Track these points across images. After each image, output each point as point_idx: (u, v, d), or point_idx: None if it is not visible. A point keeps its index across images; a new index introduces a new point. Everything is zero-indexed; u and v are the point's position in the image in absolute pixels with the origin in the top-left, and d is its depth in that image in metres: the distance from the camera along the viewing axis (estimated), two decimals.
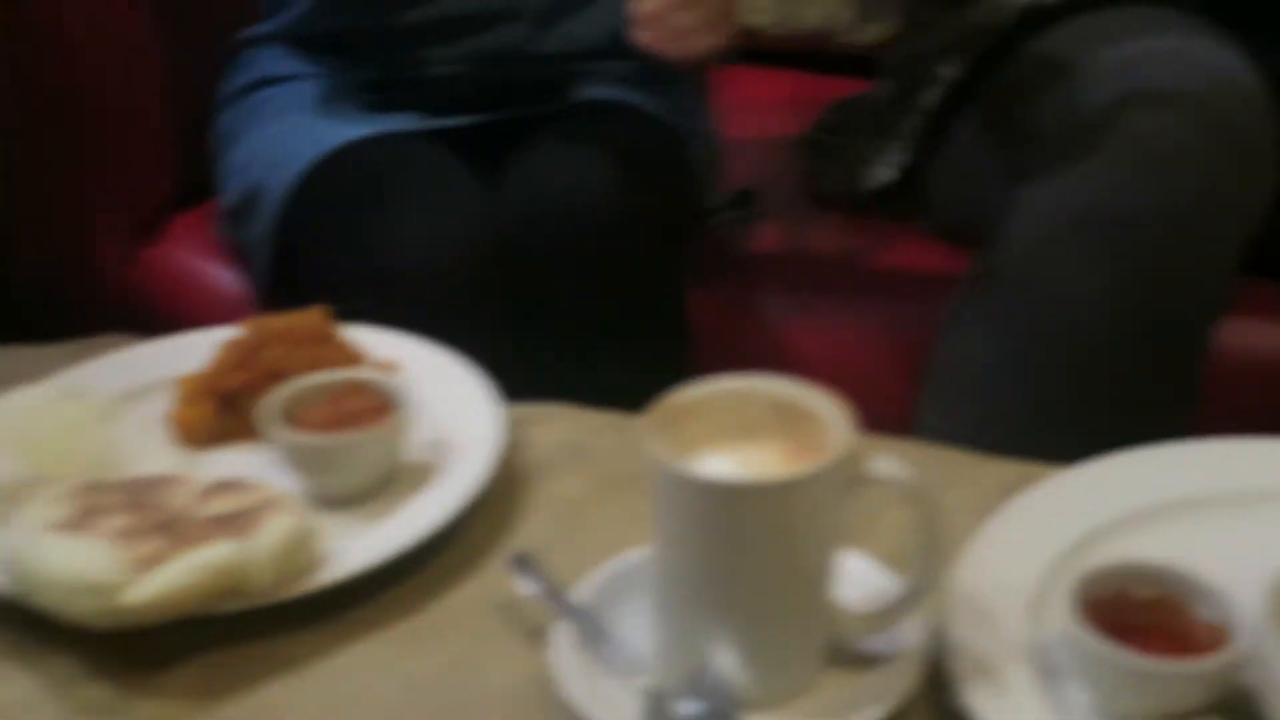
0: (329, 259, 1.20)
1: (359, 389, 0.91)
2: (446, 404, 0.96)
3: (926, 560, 0.73)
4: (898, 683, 0.72)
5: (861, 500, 0.72)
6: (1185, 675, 0.68)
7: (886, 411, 1.12)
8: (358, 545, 0.83)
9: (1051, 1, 1.25)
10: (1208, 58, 1.09)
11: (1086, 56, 1.13)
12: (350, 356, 0.96)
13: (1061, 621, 0.71)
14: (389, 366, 0.97)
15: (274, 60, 1.40)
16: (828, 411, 0.71)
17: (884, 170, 1.43)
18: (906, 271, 1.40)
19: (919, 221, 1.44)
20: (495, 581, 0.83)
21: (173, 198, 1.54)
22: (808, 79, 1.79)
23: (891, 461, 0.71)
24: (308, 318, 0.97)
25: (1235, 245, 1.08)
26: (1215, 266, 1.07)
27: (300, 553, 0.80)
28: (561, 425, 0.99)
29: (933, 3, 1.39)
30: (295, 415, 0.89)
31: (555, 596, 0.78)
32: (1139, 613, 0.72)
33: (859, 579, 0.78)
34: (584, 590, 0.78)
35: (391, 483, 0.89)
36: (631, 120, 1.32)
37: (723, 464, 0.72)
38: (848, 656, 0.75)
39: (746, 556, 0.69)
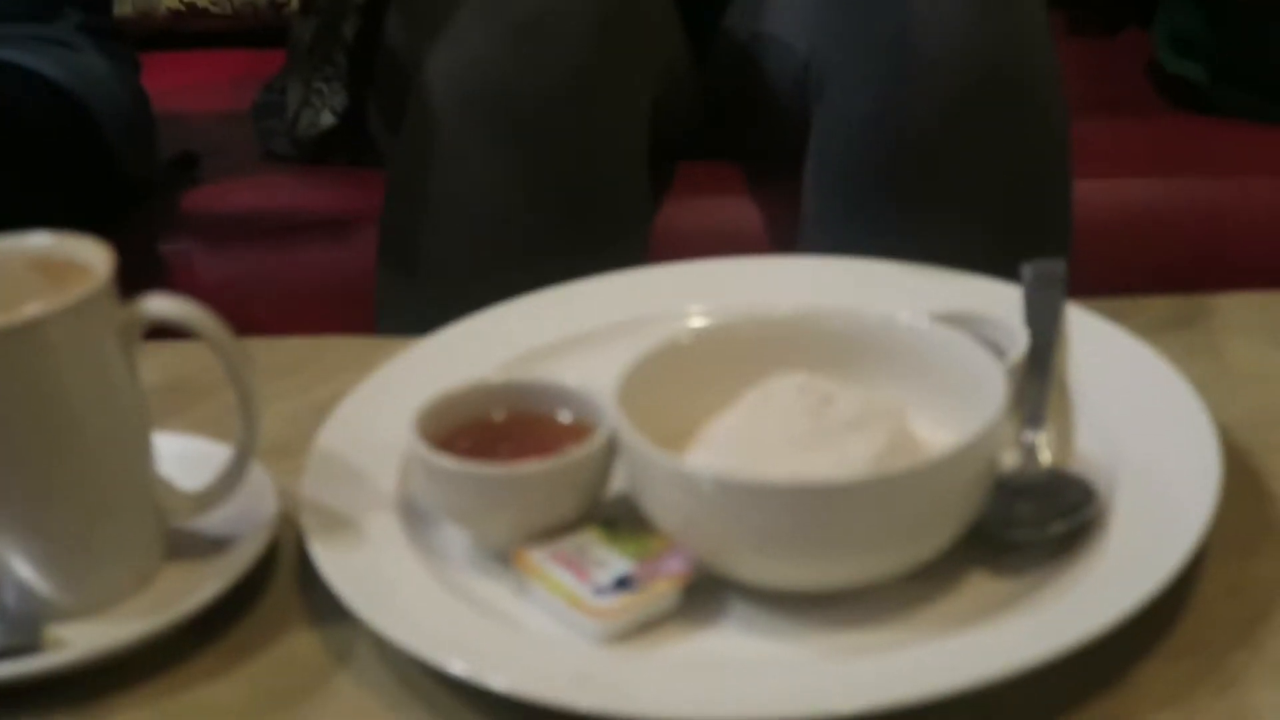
0: None
1: None
2: None
3: (243, 415, 0.64)
4: (242, 557, 0.64)
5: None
6: (542, 476, 0.62)
7: None
8: None
9: None
10: None
11: None
12: None
13: (414, 455, 0.64)
14: None
15: None
16: (97, 259, 0.62)
17: (324, 116, 1.35)
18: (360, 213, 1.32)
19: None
20: None
21: None
22: (259, 55, 1.70)
23: (168, 301, 0.62)
24: None
25: (640, 117, 1.05)
26: (626, 138, 1.03)
27: None
28: None
29: None
30: None
31: None
32: (502, 433, 0.66)
33: (205, 460, 0.68)
34: None
35: None
36: (15, 81, 1.20)
37: None
38: (195, 544, 0.66)
39: None
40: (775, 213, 1.22)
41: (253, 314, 1.25)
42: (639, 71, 1.04)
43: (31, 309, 0.58)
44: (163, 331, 0.64)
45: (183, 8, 1.78)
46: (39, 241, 0.64)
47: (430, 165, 1.02)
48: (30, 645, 0.60)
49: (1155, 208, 1.23)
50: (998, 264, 0.80)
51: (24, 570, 0.61)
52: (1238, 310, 0.82)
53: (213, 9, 1.79)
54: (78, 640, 0.60)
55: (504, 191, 1.00)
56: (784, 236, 1.16)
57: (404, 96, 1.12)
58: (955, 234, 0.97)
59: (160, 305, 0.62)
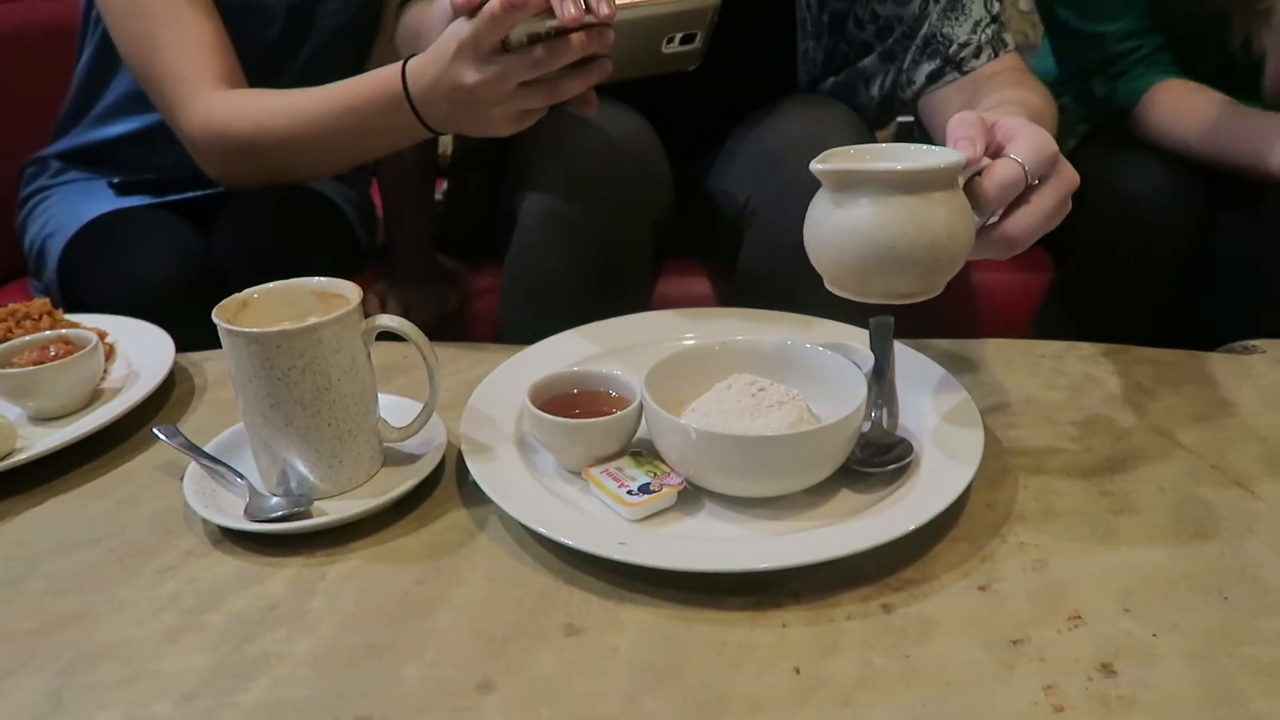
0: (94, 285, 1.00)
1: (64, 341, 0.73)
2: (142, 353, 0.79)
3: (430, 386, 0.62)
4: (426, 465, 0.62)
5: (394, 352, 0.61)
6: (600, 426, 0.60)
7: None
8: (50, 436, 0.66)
9: None
10: (625, 120, 1.02)
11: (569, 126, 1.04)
12: (63, 326, 0.78)
13: (526, 412, 0.62)
14: (98, 332, 0.79)
15: (50, 174, 1.18)
16: (351, 292, 0.60)
17: (466, 224, 1.31)
18: (490, 286, 1.27)
19: None
20: (161, 452, 0.68)
21: None
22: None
23: (391, 319, 0.60)
24: (33, 305, 0.78)
25: (649, 232, 1.01)
26: (640, 244, 1.00)
27: None
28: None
29: None
30: (9, 361, 0.71)
31: (188, 447, 0.63)
32: (576, 401, 0.64)
33: (405, 410, 0.66)
34: (213, 444, 0.64)
35: (94, 401, 0.73)
36: (298, 192, 1.17)
37: None
38: (399, 457, 0.64)
39: (286, 385, 0.57)
40: (720, 290, 1.19)
41: (432, 329, 1.22)
42: (648, 208, 1.01)
43: (311, 320, 0.56)
44: (385, 335, 0.62)
45: None
46: (317, 281, 0.62)
47: (526, 258, 0.99)
48: (304, 513, 0.58)
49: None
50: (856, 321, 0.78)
51: (301, 468, 0.59)
52: (986, 349, 0.80)
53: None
54: (331, 510, 0.58)
55: (568, 274, 0.97)
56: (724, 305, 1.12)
57: (510, 218, 1.09)
58: (823, 307, 0.95)
59: (386, 320, 0.60)
